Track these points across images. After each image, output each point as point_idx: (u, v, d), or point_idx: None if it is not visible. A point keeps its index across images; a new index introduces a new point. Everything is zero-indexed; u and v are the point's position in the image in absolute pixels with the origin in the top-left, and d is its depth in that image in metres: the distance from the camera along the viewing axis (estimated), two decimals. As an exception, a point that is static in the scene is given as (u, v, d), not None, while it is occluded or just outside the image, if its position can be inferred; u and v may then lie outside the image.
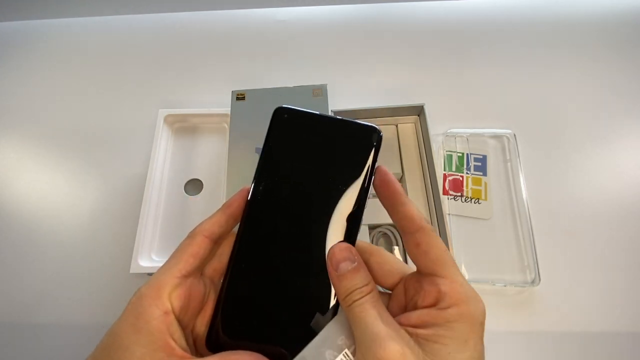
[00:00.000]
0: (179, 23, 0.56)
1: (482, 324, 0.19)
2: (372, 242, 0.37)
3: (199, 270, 0.22)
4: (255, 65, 0.52)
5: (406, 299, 0.21)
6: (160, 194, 0.40)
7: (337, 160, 0.22)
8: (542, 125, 0.46)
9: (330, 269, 0.20)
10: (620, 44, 0.51)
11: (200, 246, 0.21)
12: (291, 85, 0.38)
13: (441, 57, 0.51)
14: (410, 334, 0.18)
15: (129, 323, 0.19)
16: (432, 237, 0.20)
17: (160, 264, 0.38)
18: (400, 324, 0.19)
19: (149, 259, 0.37)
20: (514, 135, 0.43)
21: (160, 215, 0.40)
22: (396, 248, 0.37)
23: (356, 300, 0.19)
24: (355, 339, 0.19)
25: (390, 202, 0.21)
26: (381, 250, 0.22)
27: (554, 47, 0.51)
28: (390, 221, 0.37)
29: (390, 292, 0.22)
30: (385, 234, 0.38)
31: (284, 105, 0.24)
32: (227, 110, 0.39)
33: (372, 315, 0.18)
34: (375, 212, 0.38)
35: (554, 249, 0.39)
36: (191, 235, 0.22)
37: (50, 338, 0.38)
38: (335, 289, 0.20)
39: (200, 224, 0.22)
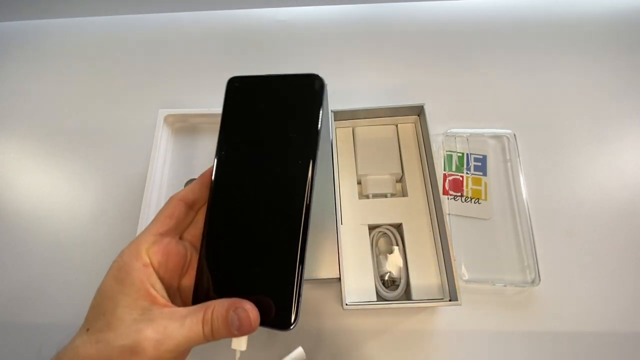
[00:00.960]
0: (179, 23, 0.56)
1: None
2: (372, 242, 0.37)
3: (175, 231, 0.24)
4: (255, 65, 0.52)
5: None
6: (160, 194, 0.40)
7: (287, 114, 0.24)
8: (542, 125, 0.46)
9: (230, 326, 0.21)
10: (621, 44, 0.51)
11: (175, 208, 0.24)
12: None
13: (441, 57, 0.51)
14: None
15: (113, 276, 0.21)
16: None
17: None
18: None
19: (149, 259, 0.37)
20: (514, 135, 0.43)
21: (160, 215, 0.40)
22: (396, 248, 0.37)
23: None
24: None
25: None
26: None
27: (554, 47, 0.51)
28: (391, 221, 0.38)
29: None
30: (385, 234, 0.38)
31: (235, 75, 0.27)
32: (227, 110, 0.39)
33: None
34: (376, 213, 0.38)
35: (554, 249, 0.39)
36: (168, 201, 0.24)
37: (49, 338, 0.38)
38: (221, 336, 0.21)
39: (178, 192, 0.25)
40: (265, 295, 0.22)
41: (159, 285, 0.22)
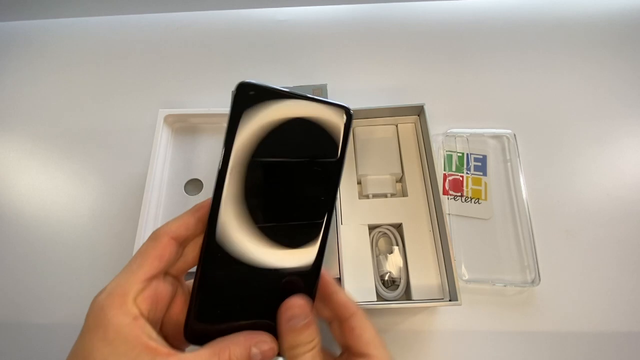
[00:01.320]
0: (179, 23, 0.56)
1: None
2: (372, 242, 0.37)
3: (163, 272, 0.21)
4: (255, 65, 0.52)
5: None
6: (160, 194, 0.40)
7: (307, 142, 0.22)
8: (542, 125, 0.46)
9: (281, 319, 0.20)
10: (621, 45, 0.51)
11: (165, 248, 0.21)
12: (291, 85, 0.38)
13: (441, 57, 0.51)
14: None
15: (99, 338, 0.18)
16: (365, 321, 0.22)
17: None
18: None
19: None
20: (514, 135, 0.43)
21: (160, 215, 0.40)
22: (396, 248, 0.37)
23: (301, 354, 0.20)
24: None
25: (323, 293, 0.22)
26: (355, 320, 0.22)
27: (554, 47, 0.51)
28: (391, 221, 0.38)
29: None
30: (385, 234, 0.38)
31: (248, 80, 0.22)
32: (227, 110, 0.39)
33: None
34: (376, 213, 0.38)
35: (554, 249, 0.39)
36: (155, 237, 0.21)
37: (49, 338, 0.38)
38: (280, 338, 0.20)
39: (166, 224, 0.21)
40: (270, 320, 0.21)
41: (154, 333, 0.19)
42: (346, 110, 0.22)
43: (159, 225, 0.39)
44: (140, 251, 0.21)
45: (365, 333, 0.21)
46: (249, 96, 0.22)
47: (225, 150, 0.21)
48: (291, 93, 0.22)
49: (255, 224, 0.21)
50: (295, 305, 0.20)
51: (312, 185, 0.22)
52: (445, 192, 0.41)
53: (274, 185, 0.21)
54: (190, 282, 0.22)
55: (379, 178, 0.40)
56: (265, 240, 0.21)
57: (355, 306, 0.22)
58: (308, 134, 0.22)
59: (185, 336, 0.21)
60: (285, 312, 0.20)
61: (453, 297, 0.33)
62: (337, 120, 0.22)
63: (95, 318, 0.18)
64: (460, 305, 0.32)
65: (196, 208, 0.22)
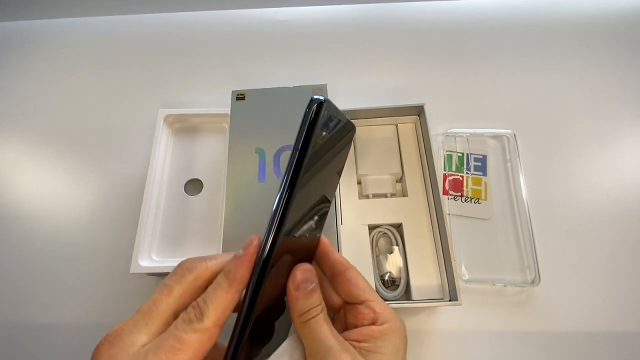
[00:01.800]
0: (179, 23, 0.56)
1: (406, 338, 0.23)
2: (372, 242, 0.37)
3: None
4: (255, 65, 0.52)
5: (346, 322, 0.24)
6: (160, 194, 0.40)
7: (334, 162, 0.23)
8: (542, 125, 0.46)
9: (290, 287, 0.21)
10: (621, 45, 0.51)
11: (212, 340, 0.19)
12: (291, 85, 0.38)
13: (441, 57, 0.51)
14: (354, 347, 0.21)
15: None
16: (358, 273, 0.24)
17: (160, 264, 0.38)
18: (346, 339, 0.21)
19: (149, 259, 0.37)
20: (514, 135, 0.43)
21: (160, 215, 0.40)
22: (396, 248, 0.37)
23: (313, 317, 0.21)
24: (308, 352, 0.21)
25: (320, 252, 0.25)
26: (349, 272, 0.24)
27: (554, 47, 0.51)
28: (391, 221, 0.38)
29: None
30: (385, 234, 0.38)
31: (324, 98, 0.21)
32: (227, 110, 0.39)
33: (326, 331, 0.21)
34: (376, 213, 0.38)
35: (554, 249, 0.39)
36: (202, 329, 0.18)
37: (49, 338, 0.38)
38: (292, 307, 0.21)
39: (208, 306, 0.19)
40: None
41: None
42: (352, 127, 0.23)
43: (158, 225, 0.39)
44: (183, 340, 0.18)
45: (360, 282, 0.24)
46: (323, 116, 0.21)
47: (293, 174, 0.20)
48: (343, 116, 0.23)
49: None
50: (302, 272, 0.22)
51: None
52: (445, 192, 0.41)
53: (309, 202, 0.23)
54: None
55: (379, 178, 0.40)
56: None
57: (348, 262, 0.24)
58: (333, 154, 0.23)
59: None
60: (294, 280, 0.21)
61: (453, 297, 0.33)
62: (349, 136, 0.24)
63: None
64: (460, 305, 0.32)
65: (233, 278, 0.20)
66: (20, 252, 0.42)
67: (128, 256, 0.35)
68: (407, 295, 0.36)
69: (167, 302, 0.19)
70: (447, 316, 0.37)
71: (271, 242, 0.20)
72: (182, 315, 0.19)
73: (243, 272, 0.20)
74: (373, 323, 0.22)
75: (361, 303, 0.23)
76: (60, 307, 0.39)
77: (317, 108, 0.21)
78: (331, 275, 0.24)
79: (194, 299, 0.20)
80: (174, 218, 0.40)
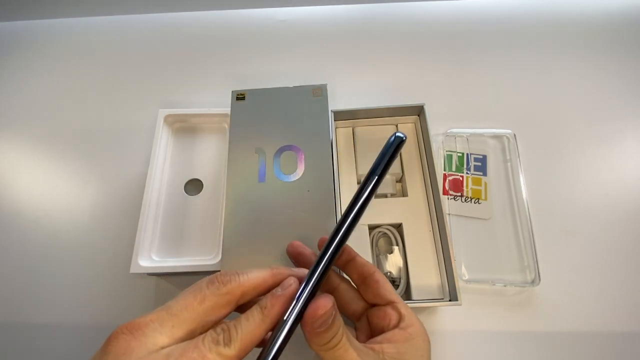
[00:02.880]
0: (179, 23, 0.56)
1: (429, 342, 0.23)
2: (372, 243, 0.37)
3: None
4: (255, 65, 0.52)
5: (371, 327, 0.24)
6: (160, 194, 0.40)
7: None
8: (542, 125, 0.46)
9: (309, 324, 0.19)
10: (621, 44, 0.51)
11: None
12: (291, 85, 0.38)
13: (441, 57, 0.51)
14: (381, 354, 0.21)
15: None
16: (383, 276, 0.25)
17: (160, 264, 0.38)
18: (372, 348, 0.21)
19: (149, 259, 0.37)
20: (514, 135, 0.43)
21: (160, 215, 0.40)
22: (396, 248, 0.37)
23: (336, 345, 0.20)
24: None
25: (346, 259, 0.25)
26: (378, 274, 0.25)
27: (554, 47, 0.51)
28: (391, 221, 0.38)
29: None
30: (385, 234, 0.38)
31: (404, 136, 0.23)
32: (227, 110, 0.39)
33: (352, 354, 0.20)
34: (376, 213, 0.38)
35: (554, 249, 0.39)
36: (226, 355, 0.18)
37: (50, 338, 0.38)
38: (310, 339, 0.20)
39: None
40: None
41: None
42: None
43: (158, 225, 0.39)
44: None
45: (387, 284, 0.25)
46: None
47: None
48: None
49: None
50: (324, 306, 0.20)
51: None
52: (445, 192, 0.41)
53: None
54: None
55: (379, 178, 0.40)
56: None
57: (372, 264, 0.25)
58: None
59: None
60: (316, 316, 0.19)
61: (453, 297, 0.33)
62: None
63: None
64: (460, 305, 0.32)
65: (266, 314, 0.20)
66: (21, 252, 0.42)
67: (128, 256, 0.35)
68: (407, 295, 0.36)
69: (198, 310, 0.19)
70: (447, 316, 0.37)
71: (316, 281, 0.21)
72: (211, 333, 0.18)
73: (278, 310, 0.20)
74: (397, 324, 0.23)
75: (387, 304, 0.24)
76: (60, 307, 0.39)
77: (398, 145, 0.23)
78: (359, 279, 0.25)
79: (220, 313, 0.20)
80: (174, 218, 0.40)
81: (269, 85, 0.39)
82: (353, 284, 0.26)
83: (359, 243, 0.37)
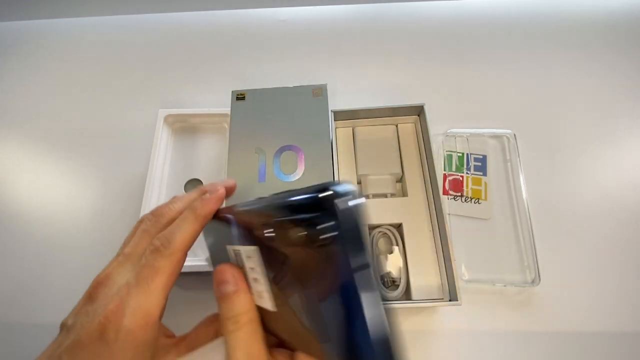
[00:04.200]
0: (179, 23, 0.56)
1: None
2: (372, 242, 0.37)
3: None
4: (255, 65, 0.52)
5: None
6: (160, 194, 0.40)
7: None
8: (542, 125, 0.46)
9: (214, 285, 0.20)
10: (620, 44, 0.51)
11: (180, 264, 0.21)
12: (291, 85, 0.38)
13: (441, 57, 0.51)
14: None
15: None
16: None
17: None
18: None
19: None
20: (514, 135, 0.43)
21: (160, 215, 0.40)
22: (396, 248, 0.37)
23: (238, 328, 0.19)
24: None
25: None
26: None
27: (554, 47, 0.51)
28: (391, 221, 0.38)
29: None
30: (385, 234, 0.38)
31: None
32: (227, 110, 0.39)
33: (239, 349, 0.18)
34: (376, 213, 0.38)
35: (554, 249, 0.39)
36: (172, 253, 0.20)
37: (50, 338, 0.38)
38: (219, 311, 0.20)
39: (177, 234, 0.21)
40: None
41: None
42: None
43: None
44: (156, 267, 0.20)
45: None
46: None
47: None
48: None
49: None
50: (221, 270, 0.20)
51: None
52: (445, 192, 0.41)
53: None
54: None
55: (379, 178, 0.40)
56: None
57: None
58: None
59: None
60: (215, 276, 0.20)
61: (453, 297, 0.33)
62: None
63: (124, 341, 0.18)
64: (460, 305, 0.32)
65: (198, 213, 0.22)
66: (21, 252, 0.42)
67: (128, 256, 0.35)
68: (407, 295, 0.36)
69: (145, 245, 0.21)
70: (447, 316, 0.37)
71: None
72: (149, 247, 0.20)
73: (209, 210, 0.22)
74: None
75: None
76: (60, 307, 0.39)
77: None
78: None
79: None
80: (174, 218, 0.40)
81: (269, 85, 0.39)
82: None
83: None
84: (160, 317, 0.20)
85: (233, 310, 0.19)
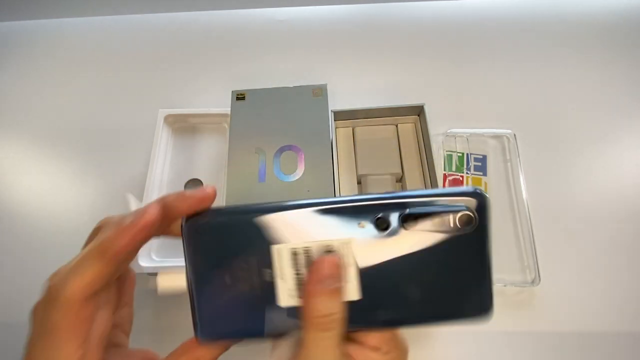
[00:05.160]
0: (179, 23, 0.56)
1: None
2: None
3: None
4: (255, 65, 0.52)
5: None
6: (160, 194, 0.40)
7: None
8: (542, 125, 0.46)
9: (311, 279, 0.17)
10: (621, 44, 0.51)
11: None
12: (291, 85, 0.38)
13: (441, 57, 0.51)
14: None
15: None
16: None
17: (161, 264, 0.38)
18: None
19: (149, 259, 0.37)
20: (514, 135, 0.43)
21: (160, 215, 0.40)
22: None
23: (328, 329, 0.17)
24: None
25: None
26: None
27: (554, 46, 0.51)
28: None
29: None
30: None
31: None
32: (227, 110, 0.39)
33: (332, 350, 0.17)
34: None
35: (554, 249, 0.39)
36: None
37: (50, 338, 0.38)
38: (307, 304, 0.18)
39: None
40: None
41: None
42: None
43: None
44: (50, 325, 0.18)
45: None
46: None
47: None
48: None
49: None
50: (333, 264, 0.17)
51: None
52: (445, 192, 0.41)
53: None
54: None
55: (379, 178, 0.40)
56: None
57: None
58: None
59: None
60: (320, 269, 0.17)
61: (453, 297, 0.33)
62: None
63: None
64: (460, 305, 0.32)
65: (105, 250, 0.18)
66: (20, 252, 0.42)
67: (128, 256, 0.35)
68: (407, 295, 0.36)
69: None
70: (447, 316, 0.37)
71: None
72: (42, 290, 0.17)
73: (125, 243, 0.17)
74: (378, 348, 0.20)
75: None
76: (60, 307, 0.39)
77: None
78: None
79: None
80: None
81: (269, 85, 0.39)
82: None
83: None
84: None
85: (332, 308, 0.17)
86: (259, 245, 0.18)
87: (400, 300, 0.19)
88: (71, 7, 0.56)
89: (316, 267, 0.18)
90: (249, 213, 0.18)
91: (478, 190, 0.19)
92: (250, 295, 0.18)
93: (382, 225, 0.18)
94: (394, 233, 0.18)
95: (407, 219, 0.18)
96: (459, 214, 0.19)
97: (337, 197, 0.20)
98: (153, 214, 0.17)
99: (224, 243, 0.18)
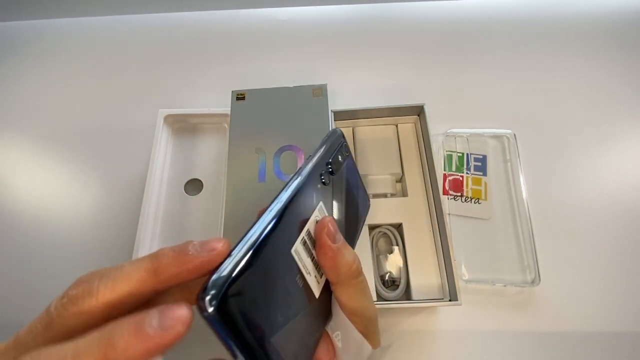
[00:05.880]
0: (179, 23, 0.56)
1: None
2: (372, 242, 0.37)
3: None
4: (255, 65, 0.52)
5: None
6: (160, 194, 0.40)
7: None
8: (542, 125, 0.46)
9: (325, 241, 0.20)
10: (621, 44, 0.51)
11: None
12: (291, 85, 0.38)
13: (441, 57, 0.51)
14: None
15: None
16: None
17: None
18: None
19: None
20: (514, 135, 0.43)
21: (160, 215, 0.40)
22: (396, 248, 0.37)
23: (360, 273, 0.21)
24: (351, 312, 0.21)
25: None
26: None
27: (555, 47, 0.51)
28: (391, 221, 0.38)
29: None
30: (385, 234, 0.38)
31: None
32: (227, 110, 0.39)
33: (368, 298, 0.21)
34: (376, 213, 0.38)
35: (554, 249, 0.39)
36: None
37: (50, 338, 0.38)
38: (332, 264, 0.20)
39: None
40: None
41: None
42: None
43: (158, 225, 0.39)
44: (57, 330, 0.14)
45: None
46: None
47: None
48: None
49: None
50: (328, 221, 0.20)
51: None
52: (445, 192, 0.41)
53: None
54: None
55: (379, 178, 0.40)
56: None
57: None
58: None
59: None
60: (328, 227, 0.20)
61: (453, 297, 0.33)
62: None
63: None
64: (460, 305, 0.32)
65: (160, 265, 0.15)
66: (20, 252, 0.42)
67: (128, 256, 0.35)
68: (407, 295, 0.36)
69: (45, 338, 0.15)
70: (447, 316, 0.37)
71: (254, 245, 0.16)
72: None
73: (144, 349, 0.13)
74: None
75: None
76: (60, 307, 0.39)
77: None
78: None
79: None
80: (174, 218, 0.40)
81: (269, 85, 0.39)
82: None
83: (359, 243, 0.37)
84: None
85: (353, 255, 0.21)
86: (282, 262, 0.18)
87: (353, 219, 0.27)
88: (71, 7, 0.56)
89: (321, 232, 0.20)
90: (254, 249, 0.16)
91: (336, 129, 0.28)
92: (302, 311, 0.19)
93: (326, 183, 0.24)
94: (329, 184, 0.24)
95: (333, 172, 0.25)
96: (345, 155, 0.27)
97: (288, 185, 0.21)
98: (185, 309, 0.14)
99: (259, 292, 0.16)
